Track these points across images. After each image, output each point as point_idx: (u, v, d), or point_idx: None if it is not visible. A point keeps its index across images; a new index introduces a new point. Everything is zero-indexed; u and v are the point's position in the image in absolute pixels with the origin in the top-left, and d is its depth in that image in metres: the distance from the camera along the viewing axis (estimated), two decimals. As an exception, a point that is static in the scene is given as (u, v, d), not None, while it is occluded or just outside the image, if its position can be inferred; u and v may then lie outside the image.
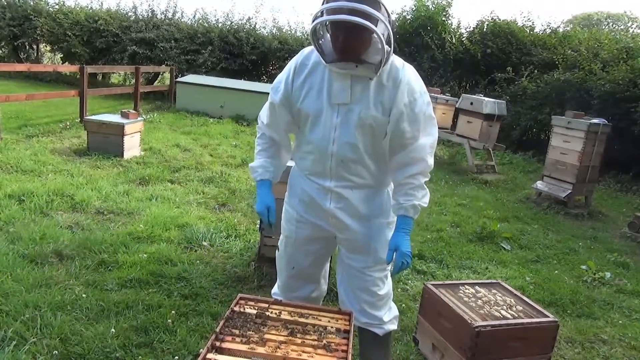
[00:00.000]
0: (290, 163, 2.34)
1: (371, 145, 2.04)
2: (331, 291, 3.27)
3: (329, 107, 2.01)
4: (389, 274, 2.26)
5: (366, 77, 1.95)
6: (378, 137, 2.02)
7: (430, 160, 2.07)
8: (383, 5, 1.82)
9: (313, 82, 2.03)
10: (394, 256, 2.05)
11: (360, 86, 1.96)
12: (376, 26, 1.76)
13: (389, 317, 2.29)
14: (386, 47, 1.81)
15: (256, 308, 1.95)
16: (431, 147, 2.07)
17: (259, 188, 2.20)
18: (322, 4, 1.85)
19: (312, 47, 2.01)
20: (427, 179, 2.09)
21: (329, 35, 1.92)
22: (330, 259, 2.50)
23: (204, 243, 4.05)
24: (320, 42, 1.94)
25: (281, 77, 2.12)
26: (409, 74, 1.99)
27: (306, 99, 2.04)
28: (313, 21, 1.85)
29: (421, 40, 12.42)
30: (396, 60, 1.99)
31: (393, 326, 2.33)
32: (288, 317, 1.91)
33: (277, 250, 2.40)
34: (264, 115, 2.23)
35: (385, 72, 1.95)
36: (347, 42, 1.84)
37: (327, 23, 1.86)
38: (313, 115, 2.04)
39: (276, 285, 2.47)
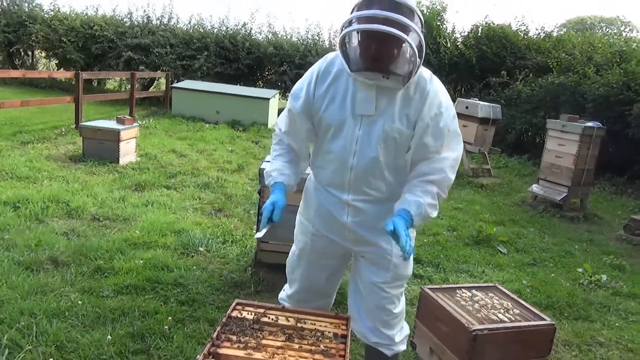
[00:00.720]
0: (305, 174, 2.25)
1: (393, 159, 1.97)
2: (335, 300, 3.27)
3: (352, 118, 1.92)
4: (403, 294, 2.19)
5: (393, 89, 1.87)
6: (401, 150, 1.95)
7: (451, 174, 1.97)
8: (417, 14, 1.75)
9: (336, 91, 1.94)
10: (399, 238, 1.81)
11: (386, 97, 1.88)
12: (409, 36, 1.69)
13: (400, 337, 2.19)
14: (418, 59, 1.75)
15: (253, 313, 1.94)
16: (454, 161, 1.98)
17: (272, 191, 2.04)
18: (352, 11, 1.76)
19: (335, 53, 1.94)
20: (442, 194, 1.97)
21: (356, 42, 1.81)
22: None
23: (201, 249, 4.04)
24: (346, 48, 1.83)
25: (302, 83, 2.02)
26: (436, 86, 1.93)
27: (328, 109, 1.95)
28: (343, 29, 1.76)
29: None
30: (424, 71, 1.91)
31: (402, 347, 2.21)
32: (285, 323, 1.90)
33: (288, 259, 2.31)
34: (282, 122, 2.12)
35: (413, 84, 1.88)
36: (377, 53, 1.75)
37: (358, 31, 1.75)
38: (335, 126, 1.95)
39: (284, 292, 2.37)
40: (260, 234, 1.97)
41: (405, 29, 1.68)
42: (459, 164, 2.03)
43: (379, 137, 1.91)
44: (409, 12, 1.71)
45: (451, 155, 1.97)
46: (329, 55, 2.00)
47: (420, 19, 1.76)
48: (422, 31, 1.75)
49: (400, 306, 2.18)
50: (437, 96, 1.91)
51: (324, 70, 1.97)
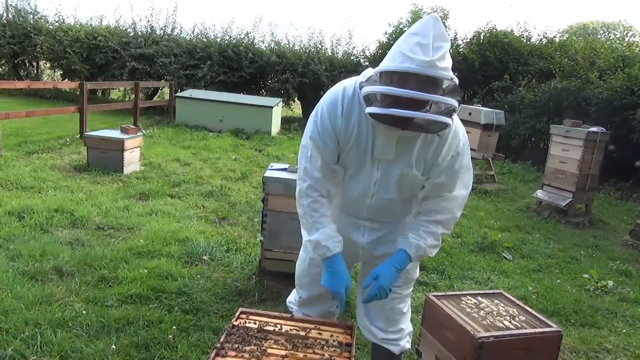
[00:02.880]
0: None
1: (409, 195, 2.00)
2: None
3: (370, 161, 1.90)
4: (410, 294, 2.27)
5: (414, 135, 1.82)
6: (416, 189, 1.98)
7: (458, 213, 2.00)
8: (449, 76, 1.66)
9: (360, 131, 1.85)
10: (372, 283, 1.92)
11: (406, 141, 1.84)
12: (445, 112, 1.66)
13: (405, 333, 2.28)
14: (448, 120, 1.67)
15: (257, 322, 1.93)
16: (463, 199, 2.00)
17: (330, 265, 1.92)
18: (385, 62, 1.69)
19: (352, 83, 1.84)
20: (447, 232, 2.02)
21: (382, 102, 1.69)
22: None
23: (205, 257, 4.04)
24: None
25: (325, 119, 1.87)
26: (455, 126, 1.87)
27: (351, 151, 1.89)
28: (370, 83, 1.71)
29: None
30: None
31: (408, 345, 2.31)
32: (289, 331, 1.90)
33: (297, 264, 2.32)
34: (314, 169, 1.92)
35: None
36: (409, 126, 1.69)
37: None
38: (355, 167, 1.94)
39: (292, 296, 2.42)
40: (343, 320, 2.03)
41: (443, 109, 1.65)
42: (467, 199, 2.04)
43: (396, 180, 1.92)
44: (441, 84, 1.65)
45: (462, 193, 1.99)
46: (348, 87, 1.87)
47: (451, 77, 1.67)
48: (455, 86, 1.69)
49: (408, 305, 2.27)
50: (456, 137, 1.89)
51: (347, 106, 1.85)
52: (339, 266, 1.93)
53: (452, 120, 1.71)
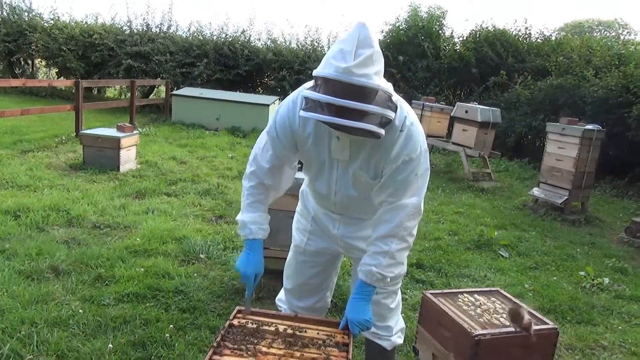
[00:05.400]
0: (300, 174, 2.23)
1: (368, 194, 1.98)
2: (336, 305, 3.27)
3: (329, 161, 1.95)
4: (399, 290, 2.27)
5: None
6: (371, 190, 1.96)
7: (410, 223, 1.89)
8: (378, 86, 1.62)
9: (318, 131, 1.88)
10: (348, 324, 1.91)
11: (358, 144, 1.84)
12: (370, 119, 1.62)
13: (396, 329, 2.29)
14: (370, 126, 1.62)
15: (254, 321, 1.93)
16: (414, 208, 1.89)
17: (249, 248, 2.01)
18: (316, 82, 1.68)
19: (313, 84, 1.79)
20: (403, 246, 1.90)
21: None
22: (336, 273, 2.48)
23: (202, 256, 4.03)
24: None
25: (284, 117, 1.91)
26: (408, 131, 1.81)
27: (311, 149, 1.93)
28: (307, 101, 1.70)
29: (415, 49, 12.51)
30: (398, 116, 1.78)
31: (400, 340, 2.33)
32: (286, 330, 1.90)
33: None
34: (263, 159, 1.99)
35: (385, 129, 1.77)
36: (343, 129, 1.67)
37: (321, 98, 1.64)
38: (316, 166, 1.99)
39: (282, 292, 2.45)
40: (249, 307, 1.98)
41: (366, 115, 1.60)
42: (422, 209, 1.95)
43: (352, 180, 1.95)
44: (369, 92, 1.61)
45: (413, 201, 1.89)
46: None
47: (385, 93, 1.65)
48: (386, 94, 1.66)
49: (396, 301, 2.27)
50: (409, 142, 1.82)
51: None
52: (256, 252, 2.01)
53: (382, 129, 1.65)
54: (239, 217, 2.06)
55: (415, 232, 1.96)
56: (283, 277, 2.40)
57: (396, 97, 1.76)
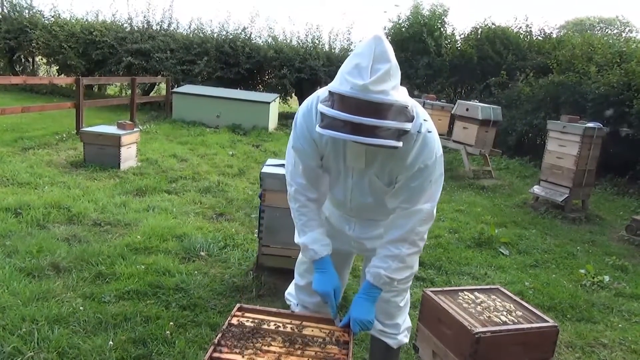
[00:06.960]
0: None
1: (384, 200, 1.99)
2: (343, 307, 3.27)
3: (344, 170, 1.96)
4: (409, 289, 2.27)
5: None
6: (387, 194, 1.98)
7: (422, 228, 1.92)
8: (397, 101, 1.61)
9: (335, 139, 1.84)
10: (350, 321, 1.94)
11: (373, 152, 1.84)
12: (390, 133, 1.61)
13: (403, 327, 2.29)
14: (389, 142, 1.62)
15: (255, 319, 1.94)
16: (427, 214, 1.92)
17: (318, 267, 1.99)
18: (331, 97, 1.65)
19: (325, 93, 1.76)
20: (414, 250, 1.93)
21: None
22: (349, 271, 2.49)
23: (202, 253, 4.04)
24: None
25: (303, 128, 1.91)
26: (426, 140, 1.81)
27: (329, 158, 1.95)
28: (323, 104, 1.69)
29: (417, 46, 12.48)
30: (414, 124, 1.75)
31: (406, 339, 2.33)
32: (287, 328, 1.90)
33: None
34: (296, 175, 2.01)
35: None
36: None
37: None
38: (333, 174, 2.01)
39: (291, 286, 2.44)
40: (340, 322, 1.96)
41: (386, 131, 1.59)
42: (434, 214, 1.96)
43: (367, 187, 1.96)
44: (386, 107, 1.59)
45: (427, 207, 1.91)
46: (321, 96, 1.83)
47: (404, 105, 1.64)
48: (406, 110, 1.64)
49: (406, 299, 2.26)
50: (425, 149, 1.82)
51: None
52: (327, 269, 1.99)
53: (399, 141, 1.64)
54: (298, 240, 2.06)
55: (426, 236, 1.98)
56: (294, 273, 2.38)
57: (412, 105, 1.73)
